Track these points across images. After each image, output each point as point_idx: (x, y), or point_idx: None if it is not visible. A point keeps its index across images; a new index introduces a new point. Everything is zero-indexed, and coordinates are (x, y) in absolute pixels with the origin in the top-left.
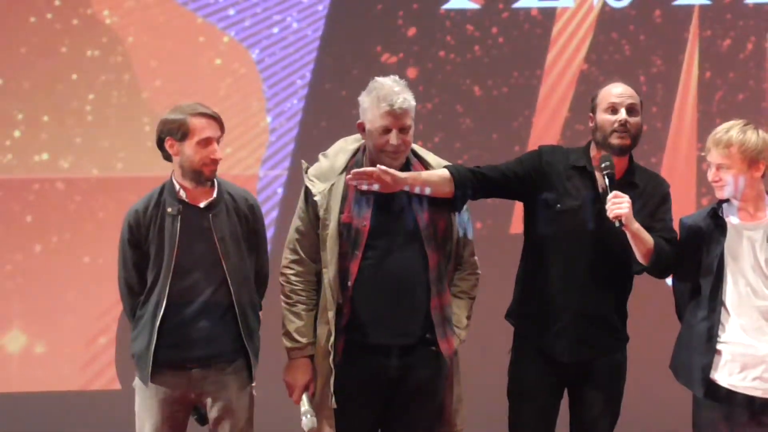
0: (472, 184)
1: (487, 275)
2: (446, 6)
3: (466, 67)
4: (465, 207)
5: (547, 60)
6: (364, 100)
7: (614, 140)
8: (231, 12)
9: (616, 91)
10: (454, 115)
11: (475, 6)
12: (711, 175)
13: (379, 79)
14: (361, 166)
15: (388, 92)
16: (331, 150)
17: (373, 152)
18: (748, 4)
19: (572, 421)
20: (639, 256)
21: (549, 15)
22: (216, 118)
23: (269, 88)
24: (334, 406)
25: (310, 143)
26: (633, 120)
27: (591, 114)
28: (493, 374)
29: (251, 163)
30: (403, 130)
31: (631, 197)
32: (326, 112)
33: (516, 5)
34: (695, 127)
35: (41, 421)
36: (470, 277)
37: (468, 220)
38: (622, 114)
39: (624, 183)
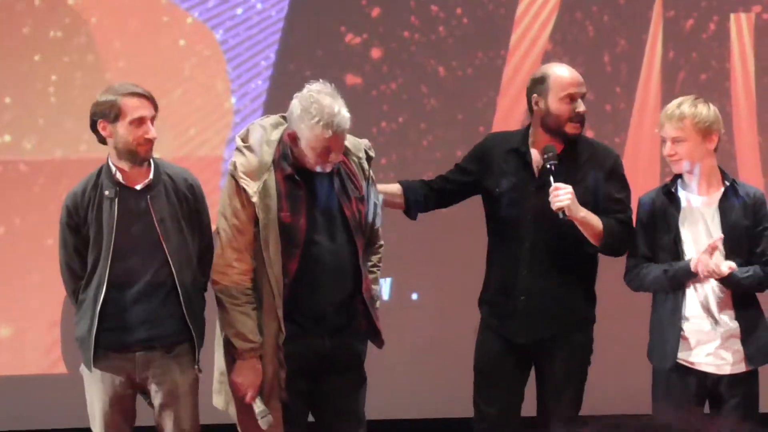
0: (422, 192)
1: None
2: None
3: (431, 48)
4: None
5: (512, 40)
6: (301, 117)
7: (570, 129)
8: None
9: (574, 80)
10: (418, 95)
11: None
12: (667, 149)
13: (315, 96)
14: (289, 159)
15: (329, 115)
16: (254, 141)
17: (308, 162)
18: None
19: (538, 399)
20: (589, 239)
21: None
22: (148, 98)
23: (233, 69)
24: (285, 399)
25: None
26: (584, 109)
27: (537, 95)
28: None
29: (216, 144)
30: (340, 148)
31: (569, 168)
32: (290, 93)
33: None
34: (659, 106)
35: (5, 405)
36: (378, 251)
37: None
38: (581, 105)
39: (564, 157)
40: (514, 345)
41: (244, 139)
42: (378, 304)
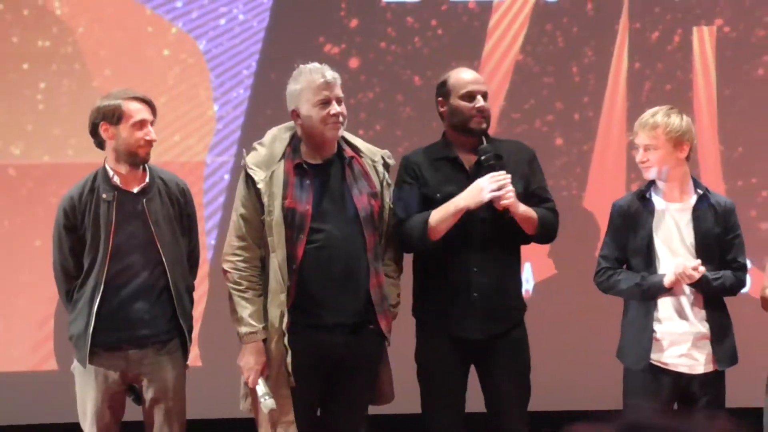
0: None
1: None
2: None
3: (407, 58)
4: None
5: (484, 51)
6: (294, 86)
7: (474, 125)
8: (179, 4)
9: (471, 78)
10: (394, 104)
11: None
12: (639, 156)
13: (302, 66)
14: (298, 152)
15: (317, 69)
16: (267, 139)
17: (313, 130)
18: None
19: (486, 398)
20: (527, 231)
21: (486, 8)
22: (148, 103)
23: (216, 77)
24: (293, 385)
25: (255, 131)
26: (487, 105)
27: (441, 99)
28: None
29: (199, 150)
30: (338, 100)
31: (498, 167)
32: (271, 101)
33: None
34: (625, 115)
35: None
36: (399, 257)
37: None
38: (480, 101)
39: (492, 158)
40: (462, 344)
41: (260, 141)
42: (396, 309)
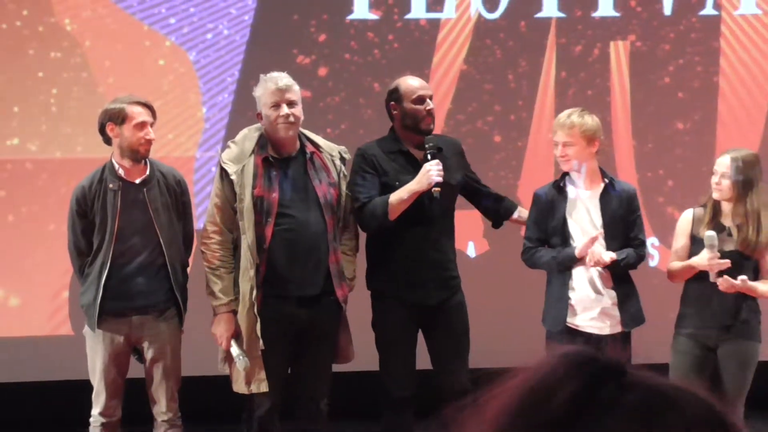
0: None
1: None
2: (351, 17)
3: (368, 67)
4: (347, 181)
5: (434, 62)
6: (257, 93)
7: (424, 126)
8: (172, 21)
9: (419, 85)
10: (357, 106)
11: (375, 17)
12: (558, 151)
13: (265, 75)
14: (265, 148)
15: (274, 77)
16: (239, 138)
17: (270, 129)
18: (595, 18)
19: (433, 357)
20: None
21: (435, 25)
22: (149, 106)
23: (204, 84)
24: (263, 347)
25: (238, 130)
26: (433, 107)
27: (393, 103)
28: None
29: (189, 146)
30: (290, 104)
31: (441, 159)
32: (251, 104)
33: (408, 16)
34: (553, 116)
35: (15, 361)
36: (354, 238)
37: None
38: (429, 104)
39: (435, 150)
40: (415, 311)
41: (233, 140)
42: (353, 282)
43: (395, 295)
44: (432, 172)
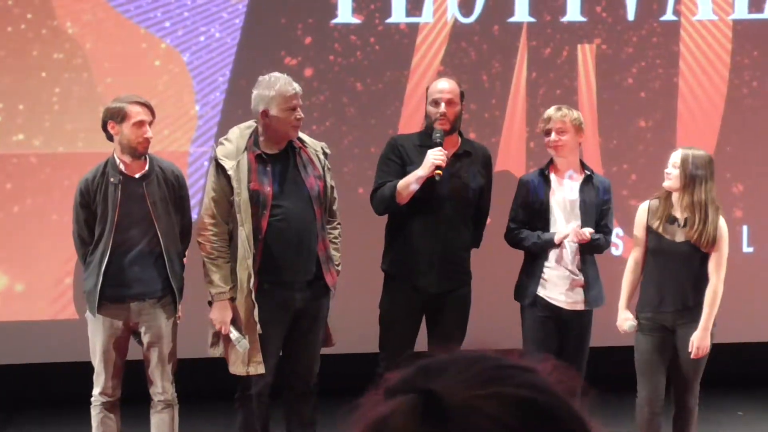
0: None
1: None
2: (335, 21)
3: (351, 68)
4: (330, 174)
5: (413, 63)
6: (266, 92)
7: (437, 126)
8: (167, 24)
9: (439, 88)
10: (341, 105)
11: (357, 21)
12: (552, 138)
13: (273, 75)
14: (257, 145)
15: (288, 81)
16: (231, 135)
17: (280, 128)
18: (563, 22)
19: (430, 339)
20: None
21: (414, 28)
22: (148, 106)
23: (197, 84)
24: (260, 331)
25: (229, 127)
26: (450, 110)
27: (426, 102)
28: None
29: (184, 142)
30: (300, 107)
31: (467, 163)
32: (242, 103)
33: (388, 21)
34: (524, 114)
35: (20, 344)
36: (338, 226)
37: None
38: (442, 107)
39: (462, 153)
40: (420, 295)
41: (226, 137)
42: (339, 267)
43: (402, 278)
44: (432, 157)
